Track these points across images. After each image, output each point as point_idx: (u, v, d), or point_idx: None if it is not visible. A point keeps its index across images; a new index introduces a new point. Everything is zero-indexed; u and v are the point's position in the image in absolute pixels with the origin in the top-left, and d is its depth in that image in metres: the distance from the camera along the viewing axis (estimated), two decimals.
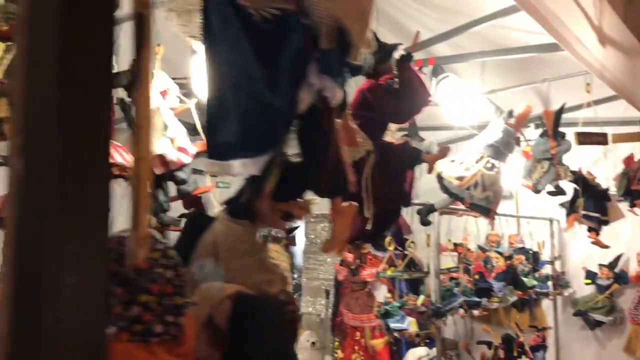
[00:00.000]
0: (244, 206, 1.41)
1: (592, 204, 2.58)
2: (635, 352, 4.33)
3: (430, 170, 1.70)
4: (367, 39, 1.48)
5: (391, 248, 3.07)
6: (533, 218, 4.53)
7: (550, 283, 4.47)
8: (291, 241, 6.19)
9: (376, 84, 1.71)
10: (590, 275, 4.52)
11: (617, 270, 4.43)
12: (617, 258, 4.46)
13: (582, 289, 4.62)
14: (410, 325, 2.70)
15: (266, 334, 1.25)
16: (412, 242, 2.94)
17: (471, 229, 4.42)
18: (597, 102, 4.20)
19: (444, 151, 1.67)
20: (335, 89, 1.27)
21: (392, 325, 2.62)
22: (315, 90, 1.24)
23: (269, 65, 1.16)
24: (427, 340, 5.05)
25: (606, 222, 2.63)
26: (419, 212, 3.01)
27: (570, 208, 2.66)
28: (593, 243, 2.65)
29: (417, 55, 2.77)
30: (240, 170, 1.18)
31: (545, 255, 4.59)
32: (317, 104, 1.27)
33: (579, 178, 2.63)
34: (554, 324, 4.66)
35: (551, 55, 3.13)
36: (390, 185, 1.70)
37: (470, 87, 2.91)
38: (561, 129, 3.48)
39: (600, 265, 4.48)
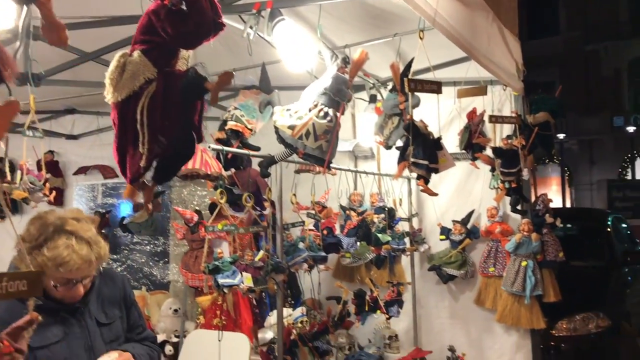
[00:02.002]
0: None
1: (421, 152, 2.57)
2: (485, 302, 4.53)
3: (213, 101, 1.55)
4: None
5: (249, 205, 2.93)
6: (390, 176, 4.56)
7: (407, 240, 4.54)
8: (157, 206, 5.94)
9: (161, 4, 1.53)
10: (445, 232, 4.66)
11: (469, 226, 4.60)
12: (469, 214, 4.62)
13: (437, 245, 4.76)
14: (243, 280, 2.58)
15: None
16: (248, 195, 2.80)
17: (331, 187, 4.39)
18: (450, 64, 4.30)
19: (225, 77, 1.52)
20: None
21: (221, 280, 2.49)
22: None
23: None
24: (292, 302, 5.03)
25: (436, 170, 2.64)
26: (260, 164, 2.89)
27: (401, 156, 2.64)
28: (422, 191, 2.66)
29: None
30: None
31: (403, 213, 4.67)
32: None
33: (409, 126, 2.62)
34: (411, 280, 4.77)
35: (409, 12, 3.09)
36: (174, 117, 1.54)
37: (307, 32, 2.79)
38: None
39: (454, 222, 4.63)
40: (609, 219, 10.42)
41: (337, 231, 3.76)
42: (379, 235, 4.07)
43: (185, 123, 1.56)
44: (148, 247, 6.14)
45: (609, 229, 9.81)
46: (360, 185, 4.79)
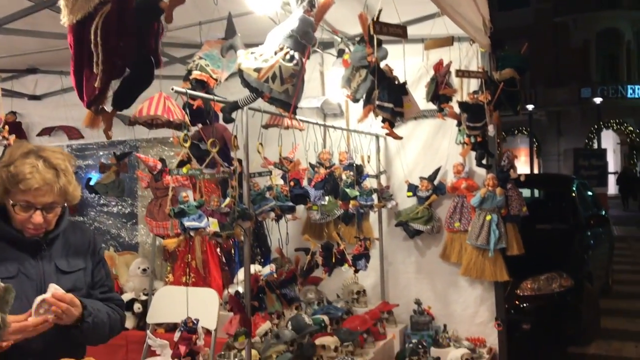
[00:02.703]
0: None
1: (386, 95, 2.58)
2: (450, 257, 4.62)
3: (167, 19, 1.52)
4: None
5: (214, 151, 2.88)
6: (360, 132, 4.58)
7: (374, 196, 4.58)
8: (123, 168, 5.87)
9: None
10: (412, 188, 4.72)
11: (435, 182, 4.67)
12: (436, 171, 4.68)
13: (405, 202, 4.81)
14: (210, 225, 2.58)
15: None
16: (213, 141, 2.78)
17: (299, 143, 4.38)
18: (417, 20, 4.32)
19: None
20: None
21: (187, 223, 2.49)
22: None
23: None
24: (262, 259, 5.06)
25: (401, 115, 2.66)
26: (222, 110, 2.86)
27: (367, 100, 2.65)
28: (387, 134, 2.68)
29: None
30: None
31: (371, 170, 4.70)
32: None
33: (374, 69, 2.62)
34: (379, 236, 4.84)
35: None
36: (129, 38, 1.51)
37: None
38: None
39: (421, 178, 4.69)
40: (574, 184, 10.66)
41: (305, 183, 3.76)
42: (347, 190, 4.09)
43: (141, 45, 1.54)
44: (115, 208, 6.08)
45: (573, 194, 10.03)
46: (329, 144, 4.79)
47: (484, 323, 4.52)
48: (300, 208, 4.29)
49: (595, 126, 34.06)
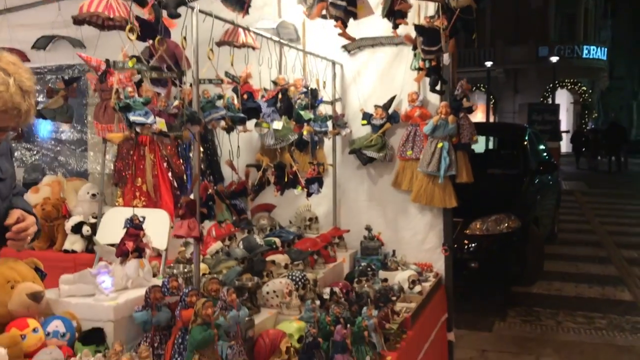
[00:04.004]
0: None
1: None
2: (401, 185, 4.69)
3: None
4: None
5: (162, 49, 2.78)
6: (317, 56, 4.53)
7: (329, 123, 4.57)
8: (72, 92, 5.68)
9: None
10: (366, 117, 4.73)
11: (390, 111, 4.68)
12: (391, 99, 4.69)
13: (359, 131, 4.83)
14: (157, 124, 2.52)
15: None
16: (160, 39, 2.69)
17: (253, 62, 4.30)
18: None
19: None
20: None
21: (132, 117, 2.43)
22: None
23: None
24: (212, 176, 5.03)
25: (354, 15, 2.63)
26: (166, 4, 2.73)
27: None
28: (340, 35, 2.66)
29: None
30: None
31: (327, 97, 4.67)
32: None
33: None
34: (333, 163, 4.85)
35: None
36: None
37: None
38: None
39: (376, 106, 4.69)
40: (527, 132, 10.90)
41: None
42: (301, 112, 4.06)
43: None
44: (64, 135, 5.91)
45: (525, 142, 10.27)
46: (285, 69, 4.72)
47: (432, 249, 4.64)
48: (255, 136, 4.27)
49: (551, 85, 34.76)
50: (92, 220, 4.80)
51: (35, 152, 6.02)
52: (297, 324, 3.03)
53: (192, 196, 2.87)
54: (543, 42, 36.28)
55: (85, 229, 4.72)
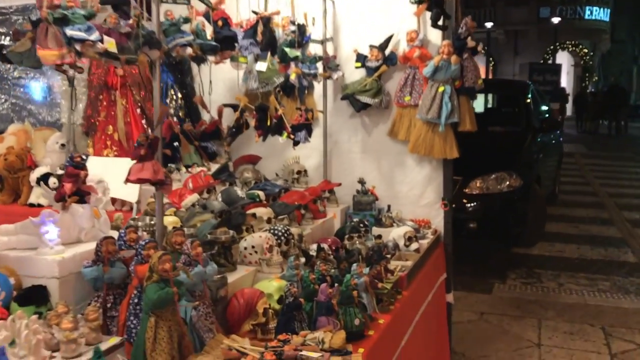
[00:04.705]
0: None
1: None
2: (398, 134, 4.28)
3: None
4: None
5: None
6: None
7: (319, 64, 4.14)
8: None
9: None
10: (361, 58, 4.29)
11: (386, 51, 4.24)
12: (388, 39, 4.25)
13: (353, 74, 4.40)
14: (105, 43, 2.10)
15: None
16: None
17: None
18: None
19: None
20: None
21: (70, 32, 2.01)
22: None
23: None
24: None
25: None
26: None
27: None
28: None
29: None
30: None
31: (317, 35, 4.23)
32: None
33: None
34: (324, 112, 4.44)
35: None
36: None
37: None
38: None
39: (371, 47, 4.25)
40: (530, 89, 10.46)
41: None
42: (287, 49, 3.63)
43: None
44: (32, 81, 5.45)
45: (528, 100, 9.85)
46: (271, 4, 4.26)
47: (430, 204, 4.26)
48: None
49: (552, 46, 34.05)
50: (60, 172, 4.38)
51: (4, 101, 5.56)
52: (277, 282, 2.67)
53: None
54: (545, 2, 35.38)
55: (52, 181, 4.30)
